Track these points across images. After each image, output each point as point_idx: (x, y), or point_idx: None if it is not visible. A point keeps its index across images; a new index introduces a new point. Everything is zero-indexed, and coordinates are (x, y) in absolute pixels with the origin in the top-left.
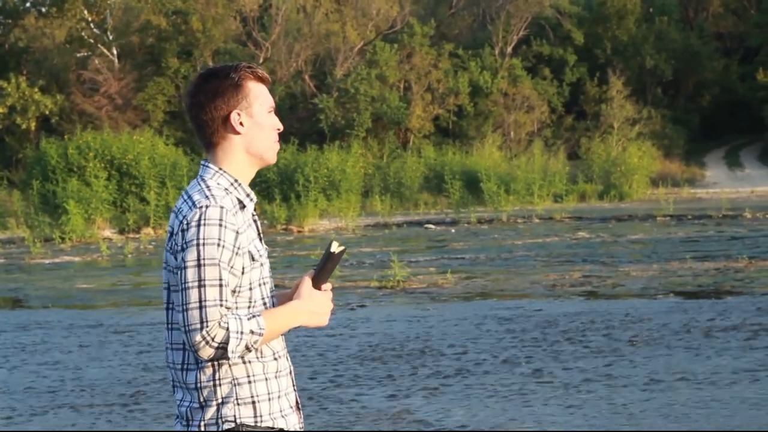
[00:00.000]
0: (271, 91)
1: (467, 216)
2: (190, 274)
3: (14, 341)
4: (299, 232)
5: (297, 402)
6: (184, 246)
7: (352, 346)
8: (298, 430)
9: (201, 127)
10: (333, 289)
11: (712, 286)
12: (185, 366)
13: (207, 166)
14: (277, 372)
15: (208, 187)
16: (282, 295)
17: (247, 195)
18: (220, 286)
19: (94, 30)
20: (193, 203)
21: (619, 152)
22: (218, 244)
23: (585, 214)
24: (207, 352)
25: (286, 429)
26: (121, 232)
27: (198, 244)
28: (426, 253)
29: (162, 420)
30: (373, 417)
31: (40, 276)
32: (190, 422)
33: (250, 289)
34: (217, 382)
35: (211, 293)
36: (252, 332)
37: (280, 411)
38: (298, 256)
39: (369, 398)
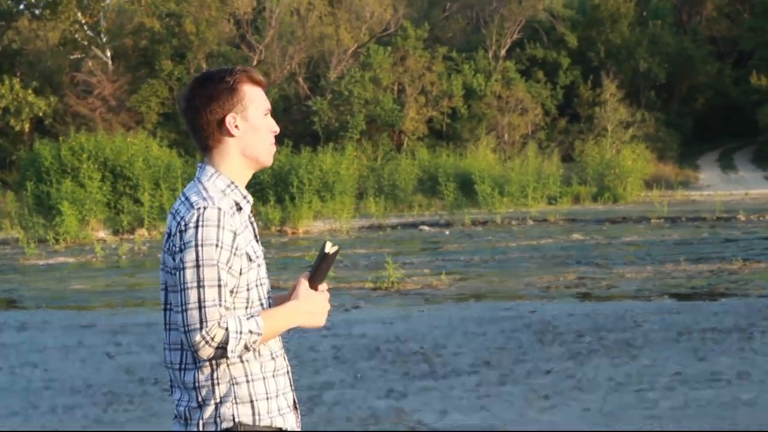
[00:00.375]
0: (266, 94)
1: (461, 218)
2: (189, 275)
3: (8, 341)
4: (293, 233)
5: (295, 402)
6: (183, 247)
7: (346, 346)
8: (296, 429)
9: (197, 131)
10: (327, 290)
11: (707, 288)
12: (183, 366)
13: (204, 168)
14: (274, 371)
15: (205, 188)
16: (279, 296)
17: (244, 197)
18: (219, 286)
19: (88, 32)
20: (191, 205)
21: (613, 155)
22: (216, 245)
23: (579, 216)
24: (206, 352)
25: (284, 428)
26: (115, 233)
27: (196, 246)
28: (420, 255)
29: (157, 419)
30: (367, 418)
31: (34, 277)
32: (189, 422)
33: (248, 290)
34: (216, 382)
35: (210, 294)
36: (251, 332)
37: (278, 410)
38: (292, 257)
39: (363, 399)
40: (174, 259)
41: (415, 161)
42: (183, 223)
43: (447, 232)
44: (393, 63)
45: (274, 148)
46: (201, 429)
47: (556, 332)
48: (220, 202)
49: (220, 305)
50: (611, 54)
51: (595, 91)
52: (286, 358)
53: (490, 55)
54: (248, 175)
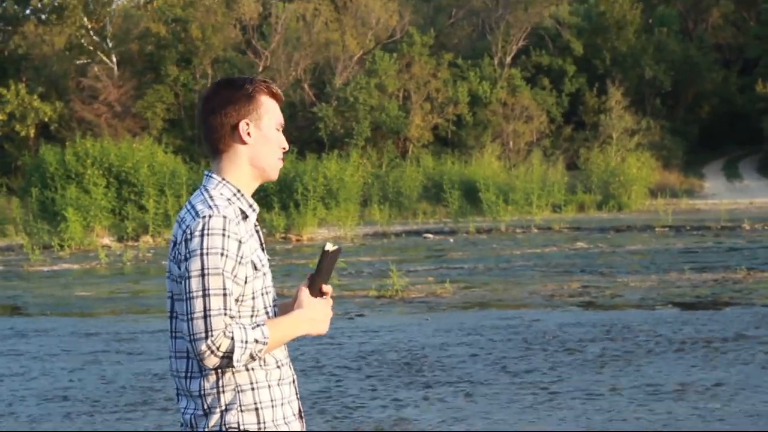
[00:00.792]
0: (281, 110)
1: (466, 226)
2: (194, 283)
3: (12, 348)
4: (298, 240)
5: (300, 410)
6: (188, 256)
7: (350, 354)
8: None
9: (209, 133)
10: (331, 298)
11: (711, 297)
12: (189, 374)
13: (210, 177)
14: (279, 380)
15: (211, 197)
16: (283, 304)
17: (250, 205)
18: (224, 295)
19: (94, 37)
20: (196, 213)
21: (617, 163)
22: (222, 254)
23: (583, 225)
24: (212, 361)
25: None
26: (120, 239)
27: (202, 254)
28: (424, 263)
29: (162, 427)
30: (370, 426)
31: (38, 283)
32: (195, 429)
33: (253, 298)
34: (221, 390)
35: (216, 302)
36: (256, 341)
37: (284, 418)
38: (296, 264)
39: (366, 407)
40: (179, 268)
41: (420, 168)
42: (188, 232)
43: (451, 240)
44: (398, 70)
45: (281, 164)
46: None
47: (560, 341)
48: (226, 211)
49: (226, 314)
50: (617, 61)
51: (601, 98)
52: (291, 367)
53: (496, 62)
54: (254, 186)
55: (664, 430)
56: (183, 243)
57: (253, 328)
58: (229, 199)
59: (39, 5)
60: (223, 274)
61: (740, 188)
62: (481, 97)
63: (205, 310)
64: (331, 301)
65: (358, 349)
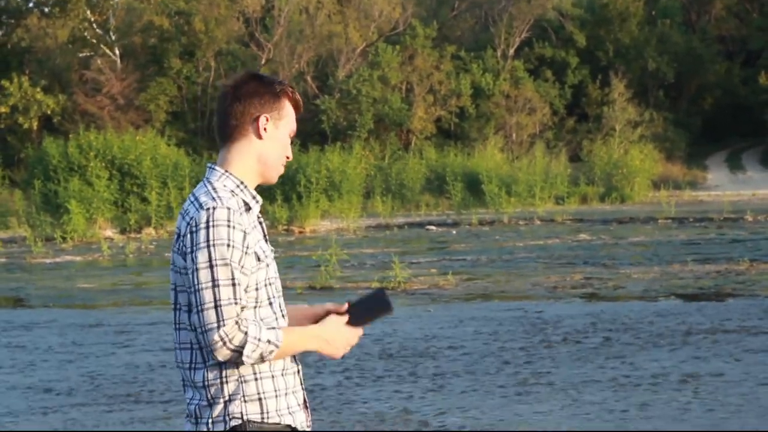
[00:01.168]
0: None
1: (468, 217)
2: (203, 275)
3: (15, 341)
4: (300, 232)
5: (305, 401)
6: (194, 248)
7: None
8: (306, 428)
9: (228, 118)
10: (334, 291)
11: (713, 288)
12: (193, 365)
13: (213, 169)
14: (283, 370)
15: (214, 188)
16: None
17: (253, 197)
18: (233, 285)
19: (97, 30)
20: (200, 205)
21: (620, 155)
22: (228, 245)
23: (586, 216)
24: (223, 353)
25: (293, 425)
26: (123, 232)
27: (208, 246)
28: (427, 255)
29: (164, 419)
30: (372, 417)
31: (41, 275)
32: (199, 420)
33: (256, 289)
34: (224, 380)
35: (225, 293)
36: (269, 342)
37: (288, 408)
38: (299, 256)
39: (369, 399)
40: (185, 260)
41: (423, 161)
42: (193, 224)
43: (454, 232)
44: (401, 62)
45: (282, 170)
46: (210, 427)
47: (562, 333)
48: (229, 202)
49: (236, 303)
50: (620, 53)
51: (604, 90)
52: (296, 358)
53: (499, 54)
54: (254, 183)
55: (664, 429)
56: (188, 235)
57: (268, 329)
58: (232, 191)
59: None
60: (230, 265)
61: (743, 180)
62: (484, 89)
63: (215, 300)
64: (360, 332)
65: (360, 341)
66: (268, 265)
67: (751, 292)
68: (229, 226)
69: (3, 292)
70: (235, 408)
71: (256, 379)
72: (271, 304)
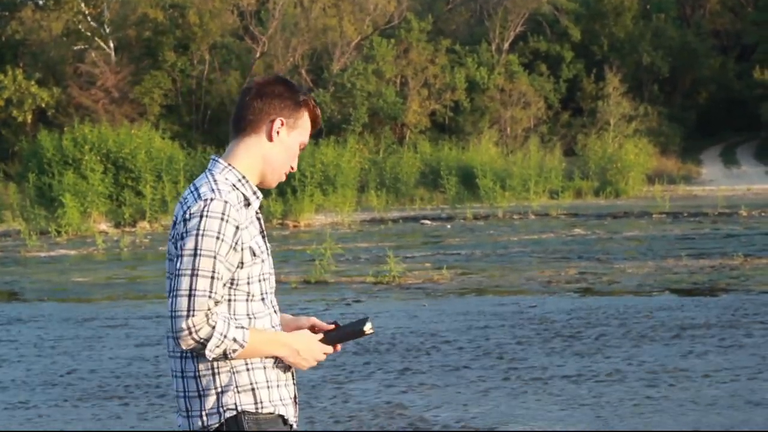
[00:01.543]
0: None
1: (463, 212)
2: (186, 262)
3: (9, 335)
4: (295, 226)
5: (295, 396)
6: (184, 235)
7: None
8: (294, 422)
9: (245, 112)
10: (328, 286)
11: (708, 283)
12: (184, 354)
13: (217, 161)
14: (275, 362)
15: (215, 181)
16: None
17: (254, 192)
18: (212, 278)
19: (91, 23)
20: (199, 195)
21: (615, 149)
22: (217, 237)
23: (581, 211)
24: (187, 343)
25: (285, 416)
26: (117, 225)
27: (197, 235)
28: (422, 249)
29: (157, 414)
30: (366, 412)
31: (35, 269)
32: (190, 412)
33: (248, 283)
34: (216, 371)
35: (203, 283)
36: (235, 340)
37: (281, 399)
38: (293, 250)
39: (363, 394)
40: (176, 247)
41: (417, 154)
42: (188, 212)
43: (448, 226)
44: (396, 55)
45: (283, 178)
46: (205, 421)
47: (556, 327)
48: (227, 196)
49: (210, 297)
50: (614, 47)
51: (598, 84)
52: None
53: (494, 48)
54: (255, 181)
55: (663, 429)
56: (182, 223)
57: (236, 328)
58: (233, 185)
59: None
60: (215, 258)
61: (738, 174)
62: (479, 83)
63: (190, 289)
64: (327, 350)
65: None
66: (263, 261)
67: (745, 287)
68: (222, 219)
69: None
70: (228, 399)
71: (247, 369)
72: (263, 299)
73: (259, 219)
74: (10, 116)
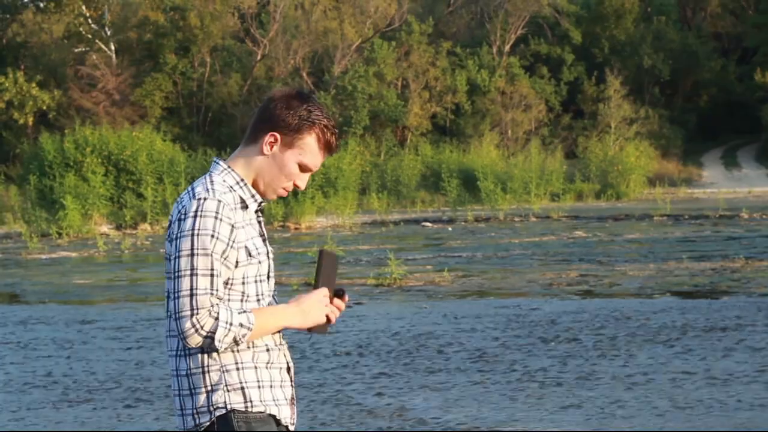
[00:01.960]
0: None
1: (464, 214)
2: (183, 262)
3: (10, 337)
4: (296, 229)
5: (293, 397)
6: (179, 235)
7: (348, 343)
8: (290, 424)
9: (254, 119)
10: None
11: (709, 286)
12: (179, 352)
13: (217, 163)
14: (268, 363)
15: (212, 182)
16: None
17: (252, 195)
18: (212, 276)
19: (92, 25)
20: (194, 194)
21: (616, 152)
22: (212, 236)
23: (582, 213)
24: (195, 340)
25: (278, 417)
26: (118, 227)
27: (192, 234)
28: (423, 251)
29: (157, 416)
30: (368, 415)
31: (36, 271)
32: (183, 410)
33: (243, 283)
34: (206, 369)
35: (203, 282)
36: (241, 325)
37: (273, 400)
38: (294, 253)
39: (364, 396)
40: (172, 246)
41: (419, 157)
42: (183, 212)
43: (450, 229)
44: (397, 58)
45: (283, 193)
46: (196, 419)
47: (558, 330)
48: (222, 196)
49: (212, 294)
50: (615, 50)
51: (599, 87)
52: (287, 354)
53: (494, 50)
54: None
55: (663, 429)
56: (177, 222)
57: (239, 313)
58: (231, 187)
59: None
60: (212, 255)
61: (738, 177)
62: (480, 86)
63: (191, 288)
64: (326, 294)
65: (356, 337)
66: (260, 262)
67: (746, 289)
68: (216, 217)
69: None
70: (218, 398)
71: (237, 369)
72: (258, 300)
73: (260, 222)
74: (12, 118)
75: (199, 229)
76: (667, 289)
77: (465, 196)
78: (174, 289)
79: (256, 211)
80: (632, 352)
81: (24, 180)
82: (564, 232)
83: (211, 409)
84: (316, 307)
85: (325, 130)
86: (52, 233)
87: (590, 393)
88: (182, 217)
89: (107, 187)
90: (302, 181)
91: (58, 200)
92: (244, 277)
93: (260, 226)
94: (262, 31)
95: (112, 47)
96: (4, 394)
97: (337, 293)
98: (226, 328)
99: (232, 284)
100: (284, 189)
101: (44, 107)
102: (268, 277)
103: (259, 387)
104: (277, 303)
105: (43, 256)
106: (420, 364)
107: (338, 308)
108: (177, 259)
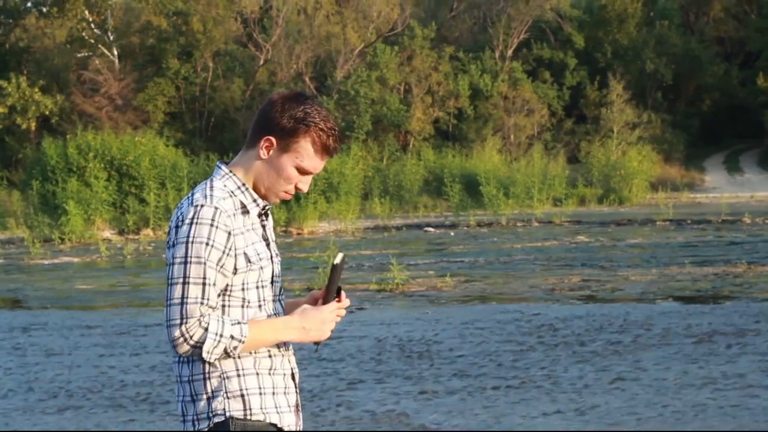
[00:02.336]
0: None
1: (466, 219)
2: (176, 270)
3: (13, 342)
4: (299, 234)
5: (297, 404)
6: (175, 242)
7: (350, 348)
8: (295, 430)
9: (254, 123)
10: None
11: (711, 291)
12: (181, 359)
13: (219, 168)
14: (271, 369)
15: (211, 187)
16: (290, 304)
17: (254, 200)
18: (204, 284)
19: (95, 30)
20: (192, 201)
21: (618, 156)
22: (207, 243)
23: (584, 218)
24: (183, 349)
25: (279, 425)
26: (121, 233)
27: (187, 242)
28: (425, 256)
29: (160, 421)
30: (370, 420)
31: (39, 276)
32: (185, 417)
33: (243, 289)
34: (207, 376)
35: (194, 291)
36: (232, 337)
37: (275, 407)
38: (297, 258)
39: (366, 401)
40: (169, 253)
41: (421, 162)
42: (180, 218)
43: (452, 234)
44: (400, 63)
45: (286, 197)
46: (196, 426)
47: (560, 335)
48: (220, 202)
49: (203, 303)
50: (618, 55)
51: (602, 91)
52: (292, 360)
53: (497, 55)
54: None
55: (663, 429)
56: (174, 229)
57: (232, 325)
58: (232, 192)
59: None
60: (205, 264)
61: (741, 182)
62: (482, 91)
63: (182, 297)
64: (331, 308)
65: (357, 342)
66: (262, 268)
67: (748, 294)
68: (212, 225)
69: (1, 294)
70: (217, 404)
71: (238, 376)
72: (260, 306)
73: (263, 226)
74: (14, 123)
75: (194, 237)
76: (670, 294)
77: (467, 201)
78: (167, 296)
79: (261, 215)
80: (634, 357)
81: (26, 185)
82: (566, 237)
83: (210, 415)
84: (318, 326)
85: (321, 132)
86: (55, 238)
87: (592, 398)
88: (179, 224)
89: (110, 192)
90: (304, 184)
91: (61, 205)
92: (244, 284)
93: (264, 230)
94: (265, 36)
95: (115, 52)
96: (5, 401)
97: (337, 293)
98: (215, 339)
99: (231, 291)
100: (286, 192)
101: (47, 112)
102: (273, 282)
103: (260, 394)
104: (283, 306)
105: (46, 262)
106: (421, 369)
107: (339, 317)
108: (171, 267)
